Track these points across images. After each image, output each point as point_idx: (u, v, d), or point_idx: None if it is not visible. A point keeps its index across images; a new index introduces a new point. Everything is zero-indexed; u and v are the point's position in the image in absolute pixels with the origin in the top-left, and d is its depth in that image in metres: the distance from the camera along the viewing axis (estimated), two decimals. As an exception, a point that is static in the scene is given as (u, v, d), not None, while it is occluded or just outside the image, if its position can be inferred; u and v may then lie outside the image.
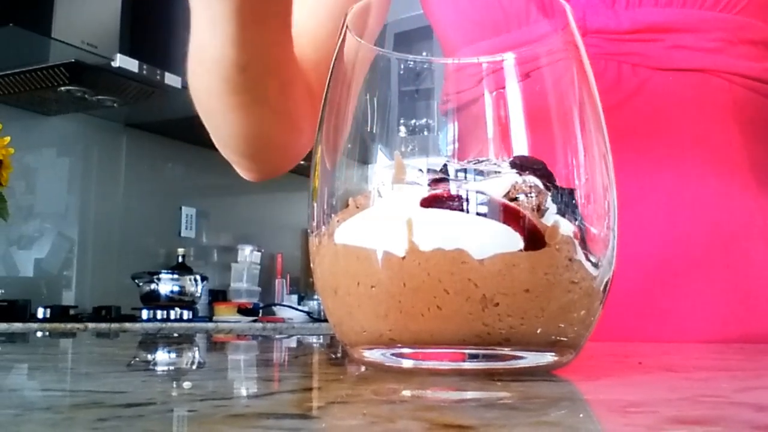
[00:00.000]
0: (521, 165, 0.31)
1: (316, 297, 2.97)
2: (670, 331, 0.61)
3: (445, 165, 0.31)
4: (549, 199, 0.31)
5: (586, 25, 0.62)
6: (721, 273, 0.61)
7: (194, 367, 0.44)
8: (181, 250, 2.91)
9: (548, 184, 0.31)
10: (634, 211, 0.60)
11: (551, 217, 0.30)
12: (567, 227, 0.31)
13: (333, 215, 0.33)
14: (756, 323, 0.60)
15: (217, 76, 0.55)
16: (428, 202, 0.30)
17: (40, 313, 2.32)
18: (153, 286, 2.69)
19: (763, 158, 0.63)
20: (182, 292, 2.71)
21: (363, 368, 0.34)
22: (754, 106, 0.63)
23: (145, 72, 2.42)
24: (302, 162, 0.63)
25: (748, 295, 0.60)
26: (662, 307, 0.61)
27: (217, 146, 0.66)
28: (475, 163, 0.31)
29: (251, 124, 0.61)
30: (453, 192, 0.30)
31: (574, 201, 0.31)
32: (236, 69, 0.53)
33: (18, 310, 2.31)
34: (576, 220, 0.31)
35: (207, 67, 0.55)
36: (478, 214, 0.30)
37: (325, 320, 0.42)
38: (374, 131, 0.34)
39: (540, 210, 0.30)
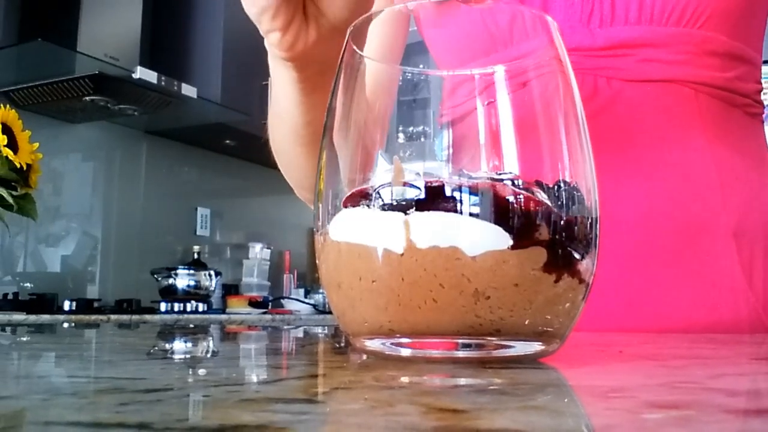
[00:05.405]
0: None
1: (321, 291, 2.97)
2: (647, 320, 0.61)
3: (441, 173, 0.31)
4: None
5: (564, 43, 0.62)
6: (690, 265, 0.61)
7: (209, 355, 0.44)
8: (196, 248, 2.91)
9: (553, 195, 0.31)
10: (611, 211, 0.60)
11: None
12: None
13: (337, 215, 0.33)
14: (721, 310, 0.61)
15: (288, 128, 0.60)
16: (424, 205, 0.30)
17: (67, 305, 2.33)
18: (171, 280, 2.69)
19: (726, 159, 0.64)
20: (198, 286, 2.71)
21: (364, 356, 0.34)
22: (718, 112, 0.64)
23: (163, 83, 2.42)
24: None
25: (714, 284, 0.61)
26: (639, 298, 0.62)
27: (295, 191, 0.71)
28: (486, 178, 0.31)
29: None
30: (447, 194, 0.30)
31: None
32: (302, 124, 0.58)
33: (46, 303, 2.32)
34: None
35: (281, 119, 0.61)
36: (471, 214, 0.30)
37: (330, 312, 0.43)
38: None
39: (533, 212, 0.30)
